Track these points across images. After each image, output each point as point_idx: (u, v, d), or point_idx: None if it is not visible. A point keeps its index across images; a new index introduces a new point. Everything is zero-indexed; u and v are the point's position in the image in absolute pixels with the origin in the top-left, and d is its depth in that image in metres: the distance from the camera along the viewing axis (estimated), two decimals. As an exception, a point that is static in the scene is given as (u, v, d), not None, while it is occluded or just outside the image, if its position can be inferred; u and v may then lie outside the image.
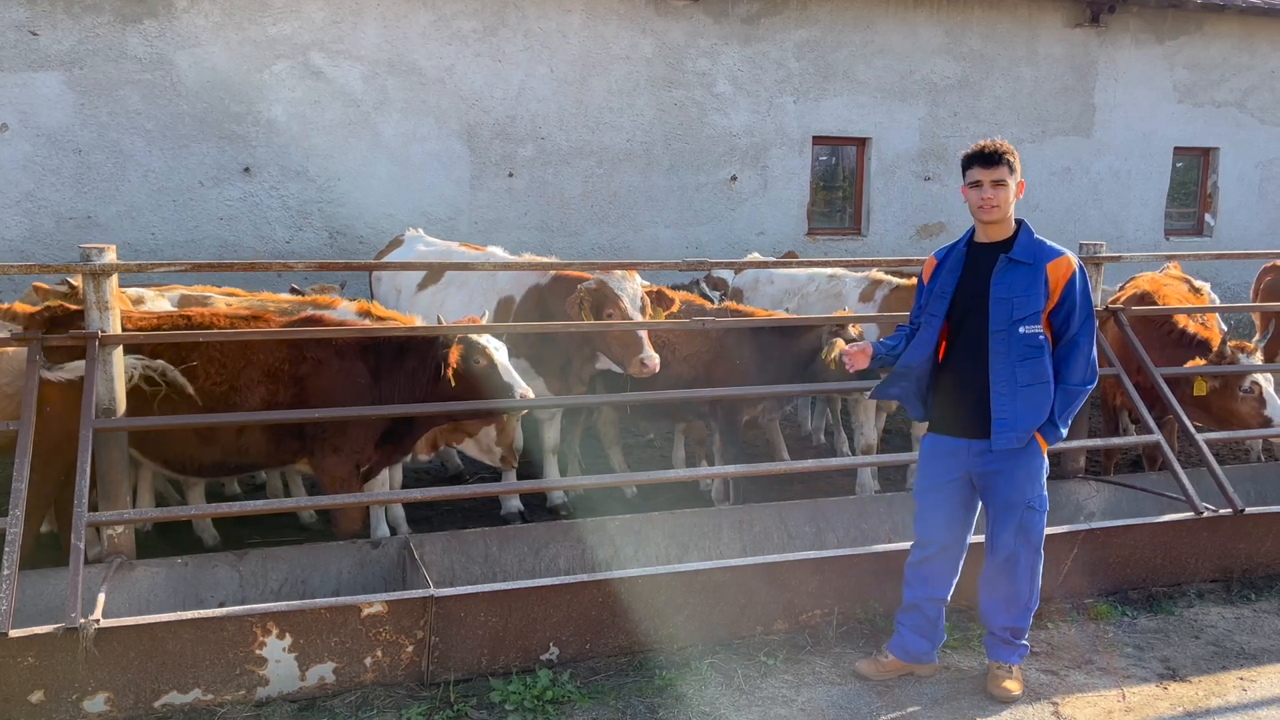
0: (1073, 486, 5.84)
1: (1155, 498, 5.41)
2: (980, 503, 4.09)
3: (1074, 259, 3.86)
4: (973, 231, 4.02)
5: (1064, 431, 3.95)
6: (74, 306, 4.79)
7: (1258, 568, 5.28)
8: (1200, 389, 5.99)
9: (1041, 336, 3.80)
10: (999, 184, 3.81)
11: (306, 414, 4.72)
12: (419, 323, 5.27)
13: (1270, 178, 13.08)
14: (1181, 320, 6.41)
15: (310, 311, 5.38)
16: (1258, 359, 6.05)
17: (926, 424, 4.19)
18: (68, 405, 4.38)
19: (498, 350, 5.02)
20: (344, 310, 5.67)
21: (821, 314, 6.87)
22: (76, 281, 5.47)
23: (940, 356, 4.03)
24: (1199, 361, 6.06)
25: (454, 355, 4.82)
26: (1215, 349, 6.05)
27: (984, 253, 3.93)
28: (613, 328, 5.54)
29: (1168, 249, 12.42)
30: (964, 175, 3.91)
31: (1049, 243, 3.91)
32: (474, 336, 4.95)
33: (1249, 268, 12.19)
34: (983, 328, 3.86)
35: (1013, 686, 4.05)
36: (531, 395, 5.05)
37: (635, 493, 6.70)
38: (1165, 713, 4.03)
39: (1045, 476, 4.01)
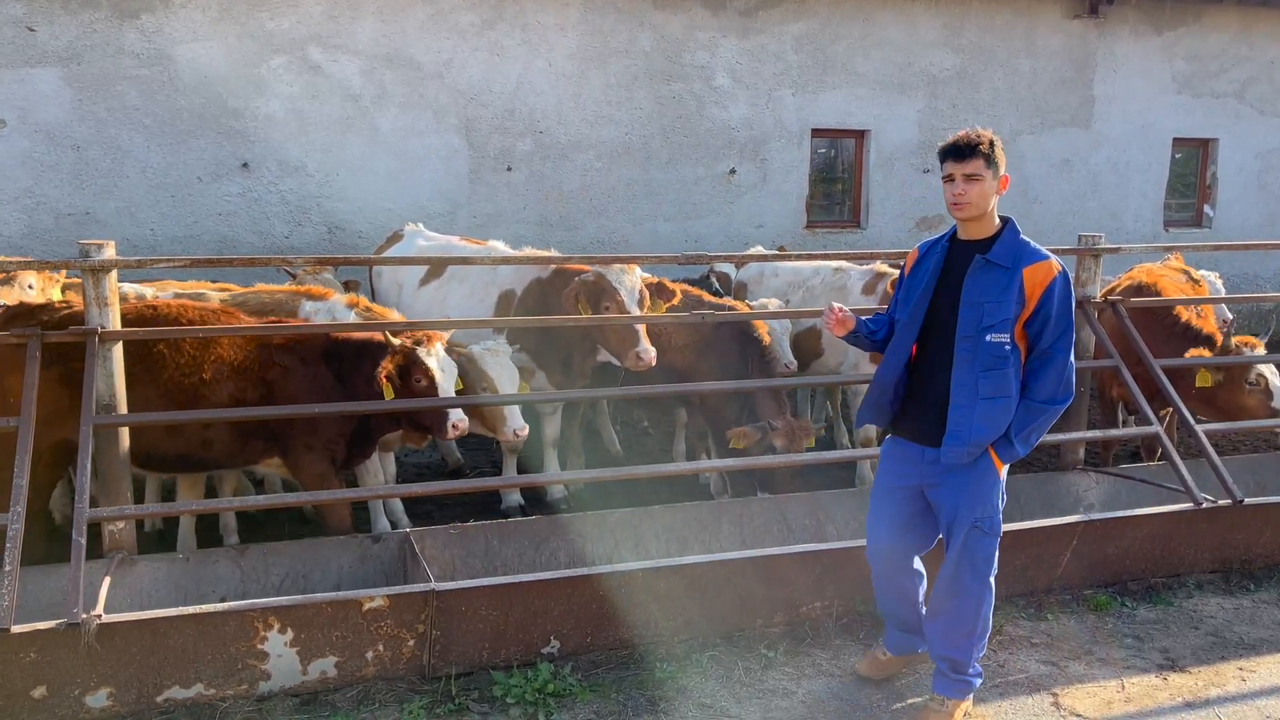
0: (1071, 478, 5.86)
1: (1154, 489, 5.43)
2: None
3: (1056, 265, 3.54)
4: (956, 227, 3.72)
5: (1022, 451, 3.61)
6: (33, 302, 4.85)
7: (1257, 558, 5.29)
8: (1204, 380, 5.96)
9: (1009, 347, 3.49)
10: (972, 178, 3.50)
11: (297, 409, 4.72)
12: (395, 318, 5.21)
13: (1269, 169, 13.06)
14: (1183, 313, 6.40)
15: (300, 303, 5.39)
16: (1261, 352, 6.04)
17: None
18: (46, 405, 4.36)
19: (442, 372, 4.92)
20: (335, 303, 5.66)
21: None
22: None
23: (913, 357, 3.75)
24: (1201, 352, 6.04)
25: (387, 367, 4.75)
26: (1219, 344, 6.03)
27: (963, 251, 3.63)
28: (607, 321, 5.53)
29: (1166, 240, 12.40)
30: (941, 168, 3.62)
31: (1033, 245, 3.58)
32: (421, 355, 4.86)
33: (1248, 259, 12.22)
34: (951, 332, 3.57)
35: None
36: (465, 427, 4.90)
37: (620, 452, 7.31)
38: (1165, 703, 4.05)
39: (1000, 499, 3.70)
